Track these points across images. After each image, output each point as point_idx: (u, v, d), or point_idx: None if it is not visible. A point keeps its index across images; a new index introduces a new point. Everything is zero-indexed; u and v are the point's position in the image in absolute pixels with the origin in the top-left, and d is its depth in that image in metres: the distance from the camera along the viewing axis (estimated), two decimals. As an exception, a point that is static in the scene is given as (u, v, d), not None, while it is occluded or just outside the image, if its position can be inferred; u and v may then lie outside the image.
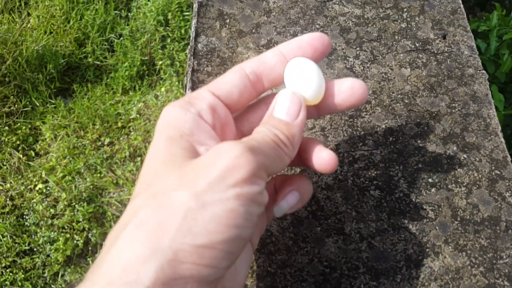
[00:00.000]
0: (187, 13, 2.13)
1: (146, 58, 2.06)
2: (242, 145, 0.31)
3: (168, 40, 2.09)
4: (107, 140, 1.86)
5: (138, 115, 1.91)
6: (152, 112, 1.92)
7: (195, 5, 0.59)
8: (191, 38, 0.57)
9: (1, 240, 1.63)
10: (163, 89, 1.98)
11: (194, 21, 0.58)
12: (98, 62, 2.04)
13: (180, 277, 0.28)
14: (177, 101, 0.36)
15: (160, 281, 0.27)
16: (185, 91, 0.53)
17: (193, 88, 0.52)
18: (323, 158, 0.37)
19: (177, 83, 1.99)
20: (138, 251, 0.28)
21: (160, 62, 2.05)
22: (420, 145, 0.50)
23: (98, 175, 1.77)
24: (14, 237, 1.64)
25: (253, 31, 0.57)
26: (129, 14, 2.18)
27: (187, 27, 2.12)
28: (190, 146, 0.34)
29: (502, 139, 0.50)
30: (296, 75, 0.37)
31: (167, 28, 2.13)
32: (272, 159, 0.33)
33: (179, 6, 2.16)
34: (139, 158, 1.81)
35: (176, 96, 1.95)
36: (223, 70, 0.54)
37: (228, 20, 0.58)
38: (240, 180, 0.30)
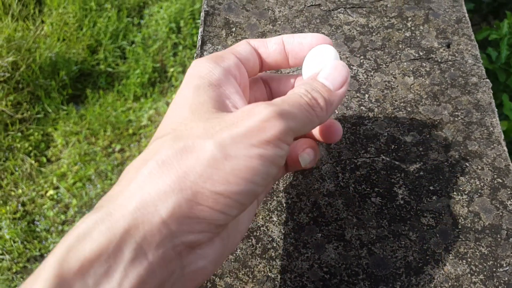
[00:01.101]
0: (199, 21, 2.15)
1: (157, 65, 2.08)
2: (272, 108, 0.32)
3: (180, 47, 2.11)
4: (118, 147, 1.87)
5: (149, 122, 1.93)
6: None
7: (202, 14, 0.60)
8: (197, 46, 0.57)
9: (12, 246, 1.64)
10: (174, 96, 1.99)
11: (200, 30, 0.59)
12: (110, 69, 2.06)
13: (194, 217, 0.30)
14: (205, 57, 0.38)
15: (176, 216, 0.30)
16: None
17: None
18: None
19: (188, 90, 2.00)
20: (159, 187, 0.30)
21: (172, 69, 2.07)
22: (422, 153, 0.50)
23: (109, 181, 1.78)
24: (25, 242, 1.66)
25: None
26: (141, 21, 2.20)
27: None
28: (218, 96, 0.36)
29: (505, 148, 0.51)
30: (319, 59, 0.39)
31: (179, 35, 2.15)
32: (302, 123, 0.35)
33: (192, 14, 2.18)
34: (149, 165, 1.82)
35: (187, 104, 1.96)
36: (228, 77, 0.55)
37: (234, 29, 0.59)
38: (264, 142, 0.32)
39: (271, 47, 0.41)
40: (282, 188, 0.48)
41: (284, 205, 0.47)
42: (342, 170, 0.49)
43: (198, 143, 0.31)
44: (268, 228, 0.46)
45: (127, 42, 2.14)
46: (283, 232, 0.46)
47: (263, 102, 0.33)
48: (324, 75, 0.38)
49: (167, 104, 1.97)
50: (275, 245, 0.46)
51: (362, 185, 0.49)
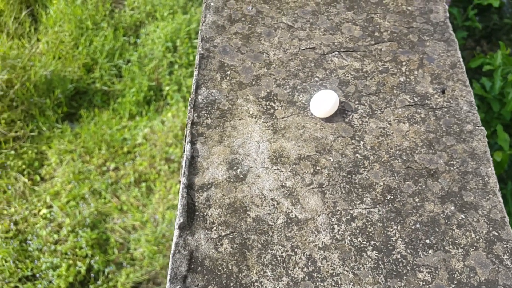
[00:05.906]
0: (196, 40, 2.15)
1: (153, 83, 2.08)
2: None
3: (176, 66, 2.11)
4: (113, 165, 1.86)
5: (144, 140, 1.92)
6: (158, 138, 1.93)
7: (197, 57, 0.60)
8: (192, 90, 0.57)
9: (3, 265, 1.63)
10: (169, 114, 1.99)
11: (195, 73, 0.58)
12: (106, 88, 2.06)
13: None
14: None
15: None
16: (185, 143, 0.54)
17: (192, 142, 0.53)
18: None
19: (183, 108, 2.00)
20: None
21: (167, 88, 2.06)
22: (418, 204, 0.50)
23: (103, 200, 1.77)
24: (17, 262, 1.64)
25: (253, 83, 0.58)
26: (137, 40, 2.20)
27: (195, 53, 2.13)
28: None
29: (500, 199, 0.50)
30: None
31: (175, 54, 2.15)
32: None
33: (188, 33, 2.18)
34: (144, 184, 1.82)
35: (182, 122, 1.96)
36: (222, 122, 0.54)
37: (228, 72, 0.59)
38: None
39: None
40: (276, 240, 0.48)
41: (279, 258, 0.47)
42: (337, 222, 0.49)
43: None
44: (262, 283, 0.46)
45: (123, 60, 2.14)
46: None
47: None
48: None
49: (162, 122, 1.97)
50: (269, 301, 0.45)
51: (358, 238, 0.48)
